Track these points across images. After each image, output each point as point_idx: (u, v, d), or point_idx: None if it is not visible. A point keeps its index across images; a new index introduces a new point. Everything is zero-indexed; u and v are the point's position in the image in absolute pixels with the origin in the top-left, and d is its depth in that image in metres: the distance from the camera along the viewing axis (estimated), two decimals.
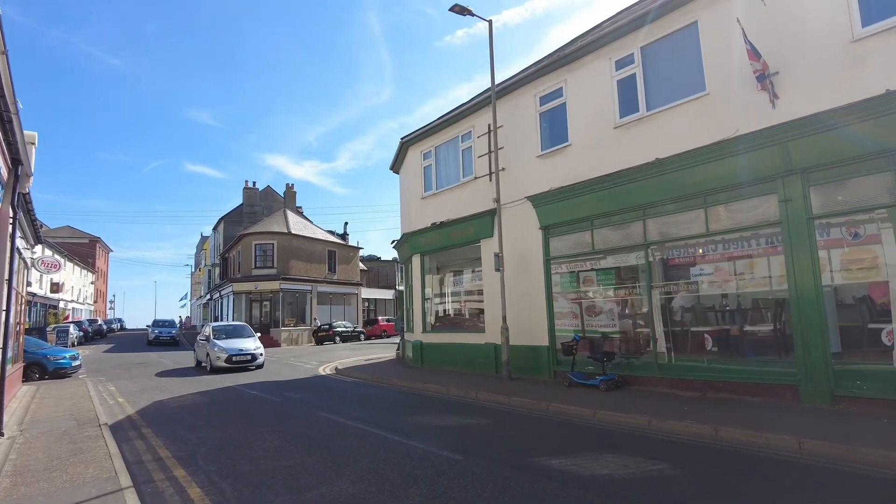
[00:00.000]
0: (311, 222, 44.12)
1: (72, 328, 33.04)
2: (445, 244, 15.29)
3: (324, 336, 36.24)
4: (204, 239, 76.02)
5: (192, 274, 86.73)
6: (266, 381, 14.96)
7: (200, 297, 61.71)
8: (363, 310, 44.97)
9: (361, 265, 46.83)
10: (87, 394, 13.43)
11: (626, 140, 10.96)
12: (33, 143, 10.07)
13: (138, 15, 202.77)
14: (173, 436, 8.31)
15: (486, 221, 13.80)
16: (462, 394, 11.47)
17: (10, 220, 9.73)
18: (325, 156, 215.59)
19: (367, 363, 18.69)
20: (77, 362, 18.84)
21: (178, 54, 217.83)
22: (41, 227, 17.07)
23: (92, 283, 65.22)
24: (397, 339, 38.97)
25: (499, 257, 12.44)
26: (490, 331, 13.61)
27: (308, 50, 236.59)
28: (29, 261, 17.62)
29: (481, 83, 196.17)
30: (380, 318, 43.63)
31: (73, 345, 31.92)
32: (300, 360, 22.31)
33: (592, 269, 11.79)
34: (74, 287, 56.43)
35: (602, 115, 11.46)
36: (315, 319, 37.53)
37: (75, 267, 56.72)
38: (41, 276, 44.21)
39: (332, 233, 45.28)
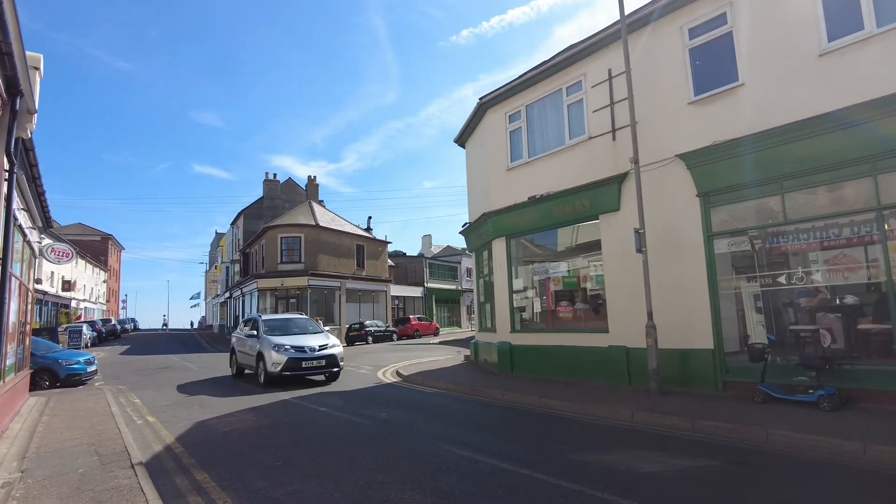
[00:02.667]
0: (337, 215, 41.35)
1: (85, 328, 30.52)
2: (545, 223, 12.36)
3: (355, 336, 33.44)
4: (219, 236, 73.58)
5: (207, 272, 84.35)
6: (328, 392, 12.13)
7: (217, 295, 59.18)
8: (391, 308, 42.15)
9: (389, 261, 44.03)
10: (107, 409, 10.69)
11: (841, 70, 8.02)
12: (37, 69, 7.28)
13: (144, 18, 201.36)
14: (247, 488, 5.47)
15: (609, 191, 10.89)
16: (608, 414, 8.56)
17: (6, 175, 6.95)
18: (331, 157, 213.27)
19: (432, 368, 15.82)
20: (92, 367, 16.19)
21: (184, 57, 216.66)
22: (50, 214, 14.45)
23: (104, 281, 62.93)
24: (432, 340, 36.22)
25: (640, 235, 9.54)
26: (616, 330, 10.71)
27: (313, 52, 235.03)
28: (37, 248, 14.92)
29: (487, 83, 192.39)
30: (411, 316, 40.79)
31: (86, 346, 29.35)
32: (348, 363, 19.50)
33: (780, 244, 8.84)
34: (87, 286, 54.11)
35: (795, 42, 8.52)
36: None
37: (87, 264, 54.39)
38: (52, 273, 41.80)
39: (357, 227, 42.47)
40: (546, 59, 12.49)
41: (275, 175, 47.02)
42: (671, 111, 10.02)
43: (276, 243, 34.64)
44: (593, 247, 11.53)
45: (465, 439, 7.28)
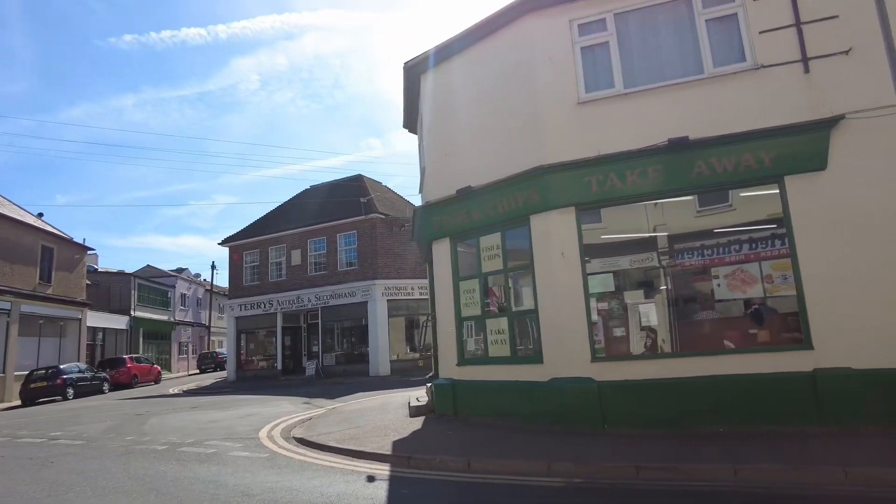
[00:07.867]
0: (5, 198, 26.21)
1: None
2: (687, 182, 7.94)
3: (42, 388, 20.57)
4: None
5: None
6: None
7: None
8: (86, 344, 28.60)
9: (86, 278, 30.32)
10: None
11: None
12: None
13: None
14: None
15: (804, 142, 7.49)
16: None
17: None
18: None
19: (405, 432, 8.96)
20: None
21: None
22: None
23: None
24: (170, 389, 24.79)
25: None
26: (828, 345, 7.15)
27: None
28: None
29: (152, 97, 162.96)
30: (126, 357, 28.36)
31: None
32: (164, 439, 10.28)
33: None
34: None
35: None
36: None
37: None
38: None
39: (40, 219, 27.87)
40: None
41: None
42: None
43: None
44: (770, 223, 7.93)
45: None
